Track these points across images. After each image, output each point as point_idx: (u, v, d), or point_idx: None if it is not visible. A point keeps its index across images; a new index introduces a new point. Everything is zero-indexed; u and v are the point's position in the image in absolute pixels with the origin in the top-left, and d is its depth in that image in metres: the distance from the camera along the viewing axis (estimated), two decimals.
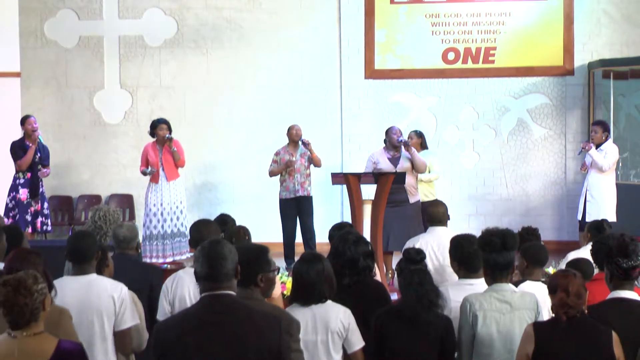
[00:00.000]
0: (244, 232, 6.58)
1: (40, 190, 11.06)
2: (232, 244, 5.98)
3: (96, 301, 5.05)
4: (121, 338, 5.15)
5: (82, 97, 13.37)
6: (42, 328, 4.03)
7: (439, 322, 4.99)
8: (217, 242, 3.95)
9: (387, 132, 10.70)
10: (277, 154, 11.47)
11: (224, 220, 6.91)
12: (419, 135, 11.48)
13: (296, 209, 11.37)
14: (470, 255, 5.42)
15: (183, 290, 5.43)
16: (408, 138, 11.25)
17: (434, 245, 7.01)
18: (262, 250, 4.50)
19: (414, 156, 10.45)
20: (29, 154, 10.80)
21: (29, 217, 10.78)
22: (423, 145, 11.40)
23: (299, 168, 11.33)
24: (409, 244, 7.08)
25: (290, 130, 11.48)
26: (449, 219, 7.56)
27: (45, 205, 11.16)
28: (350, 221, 9.96)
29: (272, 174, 11.49)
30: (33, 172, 10.92)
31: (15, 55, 12.67)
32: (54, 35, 13.33)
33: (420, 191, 10.87)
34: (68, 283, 5.12)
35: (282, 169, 11.36)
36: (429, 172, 11.12)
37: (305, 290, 4.85)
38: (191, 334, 3.72)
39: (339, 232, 6.53)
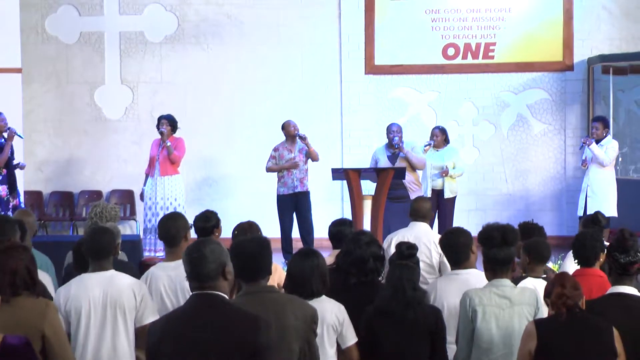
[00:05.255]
0: (249, 226, 6.47)
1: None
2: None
3: (118, 297, 5.08)
4: (143, 333, 5.03)
5: (82, 93, 13.40)
6: None
7: (426, 317, 4.97)
8: (200, 241, 3.95)
9: (386, 130, 10.77)
10: (275, 149, 11.45)
11: (208, 217, 6.73)
12: (443, 131, 11.62)
13: (294, 205, 11.38)
14: (452, 246, 5.50)
15: (158, 285, 5.46)
16: (433, 136, 11.36)
17: (411, 240, 6.97)
18: (268, 241, 4.53)
19: (408, 156, 10.52)
20: (6, 150, 10.63)
21: (10, 214, 10.71)
22: (446, 140, 11.60)
23: (297, 164, 11.34)
24: (388, 238, 7.23)
25: (286, 127, 11.45)
26: (433, 217, 7.62)
27: (22, 199, 11.14)
28: (350, 217, 10.04)
29: (270, 170, 11.47)
30: (9, 168, 10.75)
31: (16, 51, 12.62)
32: (54, 31, 13.36)
33: (447, 188, 11.08)
34: (90, 280, 5.15)
35: (285, 167, 11.32)
36: (454, 168, 11.28)
37: (298, 285, 4.84)
38: (172, 334, 3.77)
39: (338, 227, 6.57)
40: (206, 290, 3.82)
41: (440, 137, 11.50)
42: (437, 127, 11.74)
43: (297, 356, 4.33)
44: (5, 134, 10.77)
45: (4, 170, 10.73)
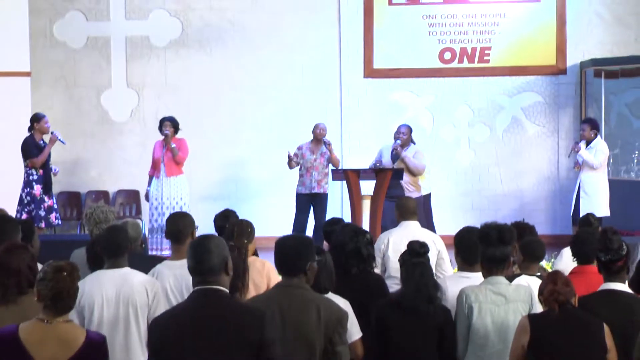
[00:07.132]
0: (247, 225, 6.43)
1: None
2: (232, 237, 5.92)
3: (131, 294, 5.13)
4: None
5: (90, 96, 13.52)
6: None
7: (437, 313, 5.04)
8: (205, 236, 4.01)
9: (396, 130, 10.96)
10: (299, 148, 11.52)
11: (226, 216, 6.90)
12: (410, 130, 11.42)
13: (310, 205, 11.47)
14: (469, 246, 5.45)
15: (164, 283, 5.49)
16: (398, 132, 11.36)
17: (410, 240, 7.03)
18: (310, 240, 4.63)
19: (405, 160, 10.67)
20: (45, 152, 10.86)
21: (42, 213, 10.88)
22: (412, 140, 11.40)
23: (317, 166, 11.42)
24: (382, 237, 7.06)
25: (315, 129, 11.53)
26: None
27: (55, 199, 11.43)
28: (350, 216, 10.29)
29: (289, 166, 11.53)
30: (45, 169, 10.99)
31: (25, 55, 12.79)
32: (62, 36, 13.47)
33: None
34: (104, 276, 5.21)
35: (289, 162, 11.42)
36: None
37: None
38: (177, 330, 3.81)
39: (332, 227, 6.55)
40: (210, 284, 3.88)
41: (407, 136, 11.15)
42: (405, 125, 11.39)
43: (319, 354, 4.36)
44: (46, 137, 11.00)
45: (41, 171, 10.96)
